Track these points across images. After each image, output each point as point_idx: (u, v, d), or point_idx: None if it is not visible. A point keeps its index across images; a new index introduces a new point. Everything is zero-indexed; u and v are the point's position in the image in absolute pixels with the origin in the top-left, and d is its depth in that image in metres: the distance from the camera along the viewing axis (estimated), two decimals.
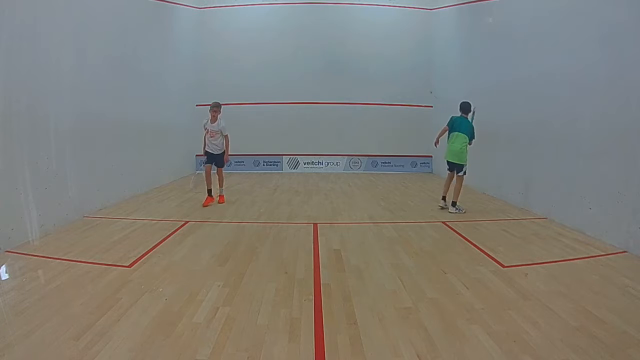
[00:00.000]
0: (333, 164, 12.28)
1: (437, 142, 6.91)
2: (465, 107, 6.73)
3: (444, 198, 6.97)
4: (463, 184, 6.73)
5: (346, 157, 12.28)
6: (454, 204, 6.62)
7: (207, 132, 7.10)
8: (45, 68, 5.41)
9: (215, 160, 7.22)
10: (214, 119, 7.11)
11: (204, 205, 6.96)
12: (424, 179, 10.98)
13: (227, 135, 7.14)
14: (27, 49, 5.05)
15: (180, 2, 10.48)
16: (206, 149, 7.19)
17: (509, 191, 7.43)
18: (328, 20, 11.88)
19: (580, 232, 5.42)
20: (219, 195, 7.37)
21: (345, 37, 11.91)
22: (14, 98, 4.84)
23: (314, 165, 12.30)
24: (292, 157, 12.29)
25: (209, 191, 7.22)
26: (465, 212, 6.51)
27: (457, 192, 6.63)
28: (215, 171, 7.33)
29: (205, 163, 7.22)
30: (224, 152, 7.22)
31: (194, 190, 7.54)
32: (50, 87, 5.52)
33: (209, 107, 7.22)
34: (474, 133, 6.64)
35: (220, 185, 7.44)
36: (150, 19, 8.97)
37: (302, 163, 12.31)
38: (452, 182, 6.80)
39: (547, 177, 6.37)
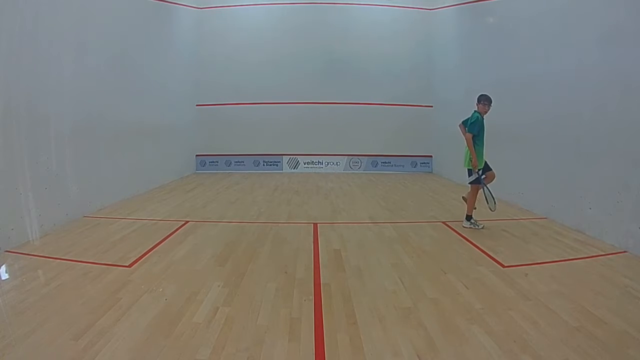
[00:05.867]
0: (333, 164, 12.28)
1: (474, 162, 5.56)
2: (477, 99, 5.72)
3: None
4: (478, 195, 5.74)
5: (346, 157, 12.28)
6: (468, 217, 5.75)
7: None
8: (45, 68, 5.42)
9: None
10: None
11: None
12: (424, 179, 10.98)
13: None
14: (28, 49, 5.05)
15: (180, 2, 10.48)
16: None
17: (508, 191, 7.42)
18: (328, 20, 11.88)
19: (580, 232, 5.41)
20: None
21: (345, 37, 11.90)
22: (14, 98, 4.84)
23: (314, 165, 12.30)
24: (292, 157, 12.29)
25: None
26: (482, 228, 5.64)
27: (469, 205, 5.75)
28: None
29: None
30: None
31: None
32: (51, 87, 5.52)
33: None
34: (470, 125, 5.56)
35: None
36: (150, 19, 8.98)
37: (302, 163, 12.30)
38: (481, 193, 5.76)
39: (546, 177, 6.37)
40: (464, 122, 5.77)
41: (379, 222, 6.17)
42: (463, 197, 6.00)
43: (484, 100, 5.64)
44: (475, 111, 5.68)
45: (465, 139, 5.61)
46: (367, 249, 4.89)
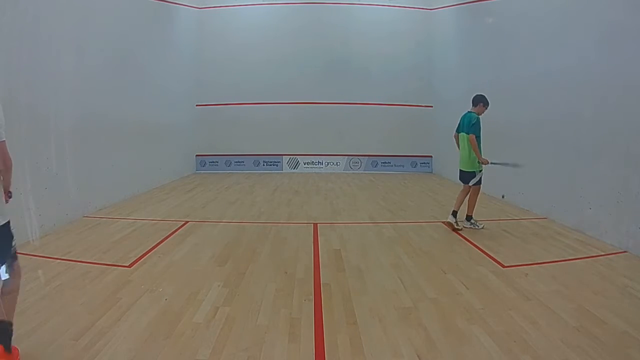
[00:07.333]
0: (333, 164, 12.27)
1: (483, 160, 5.56)
2: (473, 100, 5.66)
3: (454, 213, 5.68)
4: (479, 194, 5.74)
5: (346, 157, 12.27)
6: (468, 218, 5.70)
7: None
8: (45, 68, 5.41)
9: None
10: None
11: None
12: (424, 179, 10.98)
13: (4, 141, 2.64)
14: (28, 49, 5.05)
15: (180, 2, 10.48)
16: None
17: (508, 191, 7.43)
18: (328, 20, 11.86)
19: (580, 232, 5.41)
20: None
21: (345, 37, 11.89)
22: (14, 98, 4.84)
23: (314, 165, 12.29)
24: (292, 157, 12.28)
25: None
26: (483, 228, 5.62)
27: (471, 205, 5.69)
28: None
29: None
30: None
31: None
32: (51, 87, 5.52)
33: None
34: (471, 126, 5.50)
35: (9, 310, 2.55)
36: (150, 19, 8.98)
37: (302, 163, 12.30)
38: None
39: (546, 177, 6.36)
40: (460, 129, 5.73)
41: (379, 222, 6.17)
42: (446, 222, 5.84)
43: (485, 103, 5.62)
44: (470, 112, 5.66)
45: (469, 140, 5.56)
46: (367, 249, 4.90)
